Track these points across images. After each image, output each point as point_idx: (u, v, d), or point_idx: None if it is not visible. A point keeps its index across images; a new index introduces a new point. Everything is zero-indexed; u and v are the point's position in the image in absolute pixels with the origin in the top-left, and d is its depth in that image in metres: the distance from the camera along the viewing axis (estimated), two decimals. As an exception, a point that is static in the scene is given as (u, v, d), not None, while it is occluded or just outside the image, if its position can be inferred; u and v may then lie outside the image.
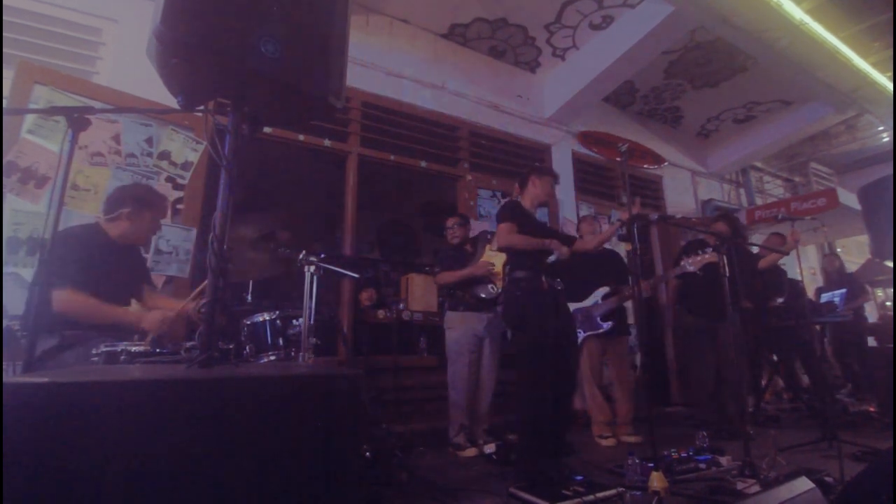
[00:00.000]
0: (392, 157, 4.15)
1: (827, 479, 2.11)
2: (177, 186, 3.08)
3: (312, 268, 2.35)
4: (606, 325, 3.40)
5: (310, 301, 2.28)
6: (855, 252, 8.66)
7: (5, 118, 2.55)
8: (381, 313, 4.00)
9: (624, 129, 5.84)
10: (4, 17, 2.72)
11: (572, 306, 3.47)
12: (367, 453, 2.13)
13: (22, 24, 2.88)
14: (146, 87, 2.69)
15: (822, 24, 4.28)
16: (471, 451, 2.93)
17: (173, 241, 2.97)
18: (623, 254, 4.25)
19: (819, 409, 3.85)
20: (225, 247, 1.06)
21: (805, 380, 4.88)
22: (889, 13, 4.26)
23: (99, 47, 3.13)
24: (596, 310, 3.46)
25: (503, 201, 4.38)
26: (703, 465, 2.39)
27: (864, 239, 5.82)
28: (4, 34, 2.72)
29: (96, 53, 3.12)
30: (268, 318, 2.25)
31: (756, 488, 1.99)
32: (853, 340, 5.07)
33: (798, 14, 4.07)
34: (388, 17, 4.34)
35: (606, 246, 3.30)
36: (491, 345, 3.14)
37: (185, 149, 3.13)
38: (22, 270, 2.49)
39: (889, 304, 6.83)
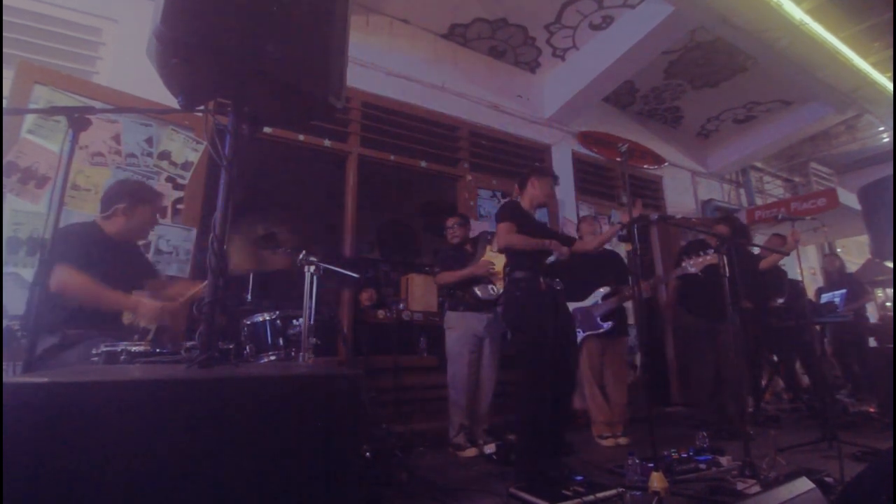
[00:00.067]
0: (392, 157, 4.15)
1: (827, 479, 2.11)
2: (177, 186, 3.08)
3: (312, 268, 2.35)
4: (606, 325, 3.40)
5: (310, 301, 2.28)
6: (855, 252, 8.66)
7: (5, 118, 2.55)
8: (381, 313, 4.00)
9: (624, 129, 5.84)
10: (4, 17, 2.72)
11: (572, 306, 3.48)
12: (367, 453, 2.13)
13: (22, 24, 2.88)
14: (146, 87, 2.69)
15: (822, 24, 4.28)
16: (471, 451, 2.93)
17: (173, 241, 2.97)
18: (623, 254, 4.25)
19: (819, 410, 3.85)
20: (225, 247, 1.06)
21: (805, 380, 4.88)
22: (889, 13, 4.26)
23: (99, 47, 3.13)
24: (596, 309, 3.46)
25: (502, 202, 4.38)
26: (703, 466, 2.39)
27: (864, 239, 5.82)
28: (4, 34, 2.72)
29: (96, 53, 3.12)
30: (268, 318, 2.25)
31: (756, 488, 1.99)
32: (853, 340, 5.07)
33: (798, 14, 4.07)
34: (388, 17, 4.34)
35: (606, 246, 3.31)
36: (491, 345, 3.14)
37: (185, 149, 3.13)
38: (22, 270, 2.49)
39: (889, 304, 6.83)
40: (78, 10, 3.06)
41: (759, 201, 7.26)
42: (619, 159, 3.23)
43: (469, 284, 3.15)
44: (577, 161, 5.32)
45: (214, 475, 0.75)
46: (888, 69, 4.99)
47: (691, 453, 2.55)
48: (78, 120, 1.46)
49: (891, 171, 2.17)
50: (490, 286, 3.14)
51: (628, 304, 3.83)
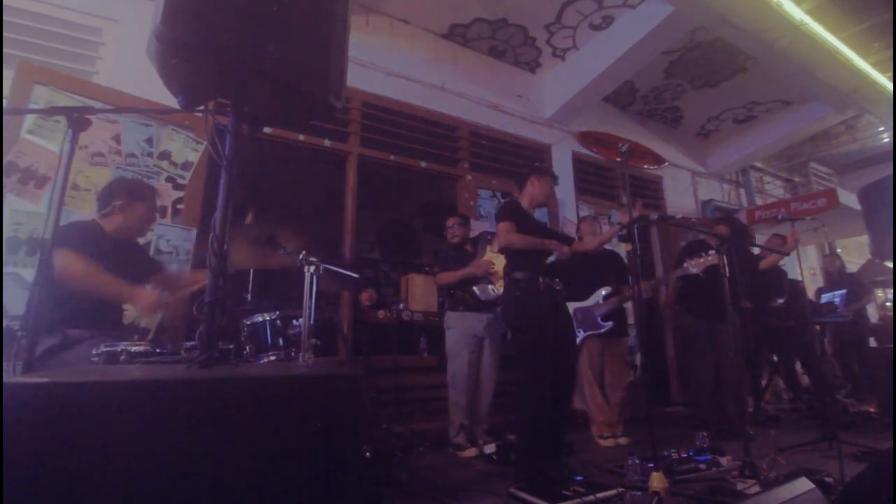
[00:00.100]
0: (392, 157, 4.15)
1: (827, 479, 2.12)
2: (177, 186, 3.08)
3: (312, 268, 2.35)
4: (607, 325, 3.40)
5: (310, 301, 2.28)
6: (855, 252, 8.65)
7: (5, 118, 2.55)
8: (381, 313, 4.00)
9: (624, 129, 5.84)
10: (4, 17, 2.72)
11: (573, 305, 3.48)
12: (367, 453, 2.14)
13: (22, 24, 2.88)
14: (146, 87, 2.69)
15: (822, 25, 4.28)
16: (471, 451, 2.93)
17: (173, 241, 2.97)
18: (623, 254, 4.25)
19: (819, 410, 3.86)
20: (225, 247, 1.06)
21: (805, 380, 4.88)
22: (889, 13, 4.26)
23: (99, 47, 3.13)
24: (597, 309, 3.46)
25: (502, 201, 4.38)
26: (703, 466, 2.40)
27: (864, 239, 5.83)
28: (4, 34, 2.72)
29: (96, 53, 3.12)
30: (268, 318, 2.25)
31: (756, 489, 1.99)
32: (853, 340, 5.07)
33: (798, 14, 4.07)
34: (388, 17, 4.34)
35: (606, 246, 3.31)
36: (491, 345, 3.13)
37: (186, 149, 3.13)
38: (22, 270, 2.49)
39: (889, 304, 6.83)
40: (78, 10, 3.06)
41: (759, 201, 7.26)
42: (619, 159, 3.23)
43: (468, 284, 3.15)
44: (577, 161, 5.32)
45: (214, 475, 0.75)
46: (888, 69, 4.99)
47: (691, 453, 2.55)
48: (78, 120, 1.46)
49: (891, 171, 2.16)
50: (490, 286, 3.14)
51: (628, 305, 3.82)
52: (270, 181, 5.28)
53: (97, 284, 1.85)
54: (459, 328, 3.12)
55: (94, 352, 1.62)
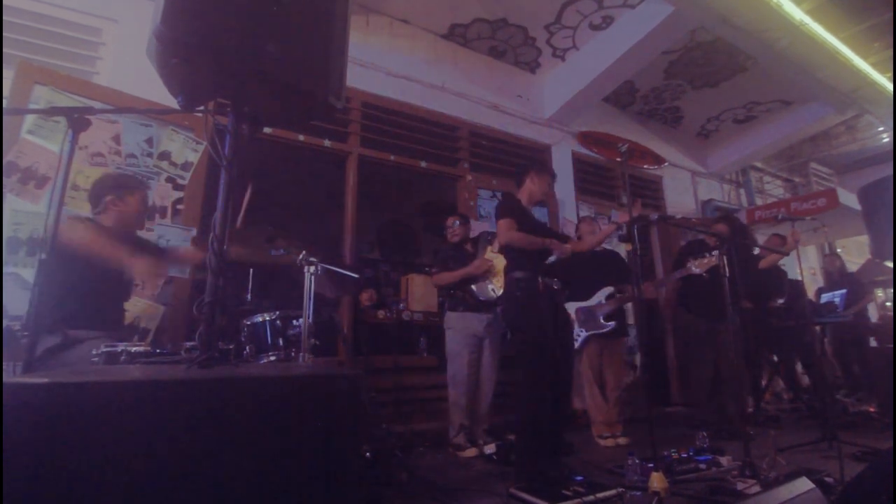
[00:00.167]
0: (392, 157, 4.15)
1: (827, 479, 2.11)
2: (177, 186, 3.08)
3: (312, 268, 2.35)
4: (610, 325, 3.40)
5: (310, 301, 2.28)
6: (855, 252, 8.65)
7: (5, 118, 2.56)
8: (381, 313, 4.00)
9: (624, 129, 5.84)
10: (4, 17, 2.72)
11: (575, 305, 3.48)
12: (367, 453, 2.14)
13: (22, 24, 2.88)
14: (146, 87, 2.69)
15: (822, 25, 4.28)
16: (471, 451, 2.93)
17: (173, 242, 2.97)
18: (623, 254, 4.25)
19: (819, 410, 3.85)
20: (225, 247, 1.06)
21: (805, 380, 4.88)
22: (889, 13, 4.26)
23: (99, 47, 3.13)
24: (599, 309, 3.46)
25: (501, 197, 4.38)
26: (703, 466, 2.39)
27: (864, 239, 5.81)
28: (4, 34, 2.72)
29: (96, 53, 3.12)
30: (268, 318, 2.26)
31: (756, 488, 1.99)
32: (853, 340, 5.07)
33: (798, 14, 4.07)
34: (388, 17, 4.34)
35: (606, 246, 3.31)
36: (491, 345, 3.13)
37: (185, 149, 3.13)
38: (22, 270, 2.49)
39: (889, 304, 6.83)
40: (78, 10, 3.06)
41: (759, 201, 7.26)
42: (619, 159, 3.23)
43: (467, 284, 3.15)
44: (577, 161, 5.32)
45: (214, 475, 0.75)
46: (888, 69, 4.99)
47: (691, 453, 2.55)
48: (78, 120, 1.46)
49: (891, 171, 2.16)
50: (490, 286, 3.13)
51: (628, 305, 3.83)
52: (270, 181, 5.28)
53: (99, 248, 1.90)
54: (459, 328, 3.12)
55: (94, 352, 1.62)
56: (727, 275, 2.55)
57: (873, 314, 6.14)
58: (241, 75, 1.06)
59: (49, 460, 0.65)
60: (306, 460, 0.82)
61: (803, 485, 1.44)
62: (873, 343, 5.23)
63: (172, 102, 1.14)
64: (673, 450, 2.56)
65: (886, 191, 2.07)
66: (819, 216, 4.60)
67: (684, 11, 3.94)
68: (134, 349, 1.61)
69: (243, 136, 1.16)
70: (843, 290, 4.80)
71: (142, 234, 2.52)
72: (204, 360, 0.97)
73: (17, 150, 2.59)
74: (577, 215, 4.87)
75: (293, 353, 2.21)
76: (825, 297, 4.98)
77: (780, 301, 4.40)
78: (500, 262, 3.08)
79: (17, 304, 2.21)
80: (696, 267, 3.15)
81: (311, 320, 2.21)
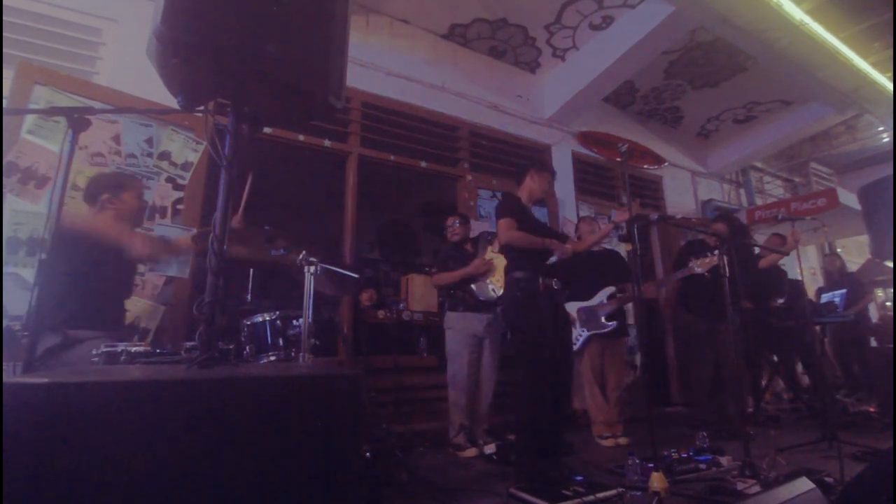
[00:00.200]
0: (392, 157, 4.15)
1: (827, 479, 2.11)
2: (177, 187, 3.08)
3: (312, 268, 2.35)
4: (612, 325, 3.40)
5: (310, 301, 2.28)
6: (855, 252, 8.65)
7: (5, 118, 2.56)
8: (381, 313, 4.00)
9: (624, 129, 5.84)
10: (4, 17, 2.72)
11: (576, 305, 3.48)
12: (367, 453, 2.13)
13: (22, 24, 2.88)
14: (146, 87, 2.69)
15: (822, 25, 4.28)
16: (471, 451, 2.93)
17: (173, 242, 2.97)
18: (623, 254, 4.25)
19: (819, 410, 3.85)
20: (224, 247, 1.06)
21: (805, 380, 4.88)
22: (889, 13, 4.26)
23: (99, 47, 3.13)
24: (601, 309, 3.46)
25: (502, 196, 4.38)
26: (703, 466, 2.39)
27: (864, 239, 5.82)
28: (4, 34, 2.72)
29: (96, 53, 3.12)
30: (268, 318, 2.25)
31: (756, 488, 1.99)
32: (853, 340, 5.07)
33: (798, 14, 4.07)
34: (388, 17, 4.34)
35: (606, 246, 3.30)
36: (491, 345, 3.13)
37: (185, 149, 3.13)
38: (22, 270, 2.49)
39: (889, 304, 6.82)
40: (78, 10, 3.06)
41: (759, 201, 7.26)
42: (619, 159, 3.23)
43: (467, 283, 3.15)
44: (577, 161, 5.32)
45: (214, 475, 0.75)
46: (888, 69, 4.99)
47: (691, 453, 2.55)
48: (78, 120, 1.46)
49: (891, 171, 2.16)
50: (490, 287, 3.13)
51: (628, 305, 3.82)
52: (270, 181, 5.27)
53: (101, 226, 1.97)
54: (459, 328, 3.12)
55: (94, 352, 1.62)
56: (727, 275, 2.55)
57: (873, 314, 6.14)
58: (241, 75, 1.06)
59: (49, 460, 0.65)
60: (306, 460, 0.82)
61: (803, 485, 1.44)
62: (873, 343, 5.23)
63: (172, 102, 1.14)
64: (673, 450, 2.56)
65: (886, 191, 2.07)
66: (819, 216, 4.60)
67: (684, 11, 3.94)
68: (134, 349, 1.61)
69: (243, 136, 1.16)
70: (843, 290, 4.79)
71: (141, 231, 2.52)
72: (204, 360, 0.97)
73: (17, 150, 2.59)
74: (577, 215, 4.87)
75: (293, 353, 2.21)
76: (825, 297, 4.98)
77: (781, 301, 4.40)
78: (500, 261, 3.08)
79: (17, 304, 2.21)
80: (698, 266, 3.15)
81: (311, 320, 2.21)
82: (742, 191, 7.31)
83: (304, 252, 2.31)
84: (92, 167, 2.79)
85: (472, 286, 3.13)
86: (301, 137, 3.69)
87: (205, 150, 3.17)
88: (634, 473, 2.16)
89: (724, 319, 2.80)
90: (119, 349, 1.61)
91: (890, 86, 5.13)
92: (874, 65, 4.92)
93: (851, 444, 2.69)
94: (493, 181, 4.62)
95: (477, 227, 3.95)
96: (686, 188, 6.53)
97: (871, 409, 3.99)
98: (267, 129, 3.38)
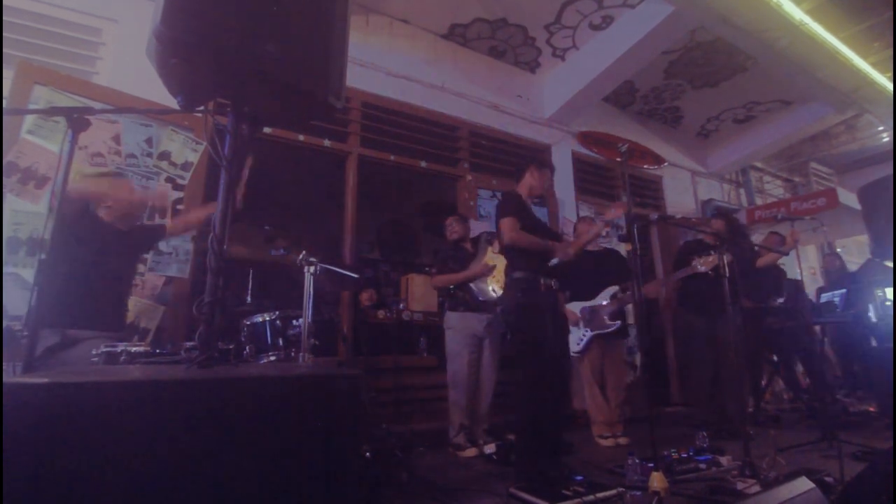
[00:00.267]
0: (392, 157, 4.15)
1: (827, 479, 2.11)
2: (177, 187, 3.08)
3: (312, 268, 2.35)
4: (615, 325, 3.40)
5: (309, 301, 2.28)
6: (855, 252, 8.65)
7: (5, 118, 2.55)
8: (381, 313, 4.00)
9: (624, 129, 5.84)
10: (4, 17, 2.72)
11: (579, 305, 3.48)
12: (367, 453, 2.13)
13: (22, 24, 2.88)
14: (146, 87, 2.69)
15: (822, 25, 4.28)
16: (471, 451, 2.93)
17: (173, 242, 2.97)
18: (623, 254, 4.25)
19: (819, 410, 3.85)
20: (225, 247, 1.06)
21: (805, 380, 4.88)
22: (889, 13, 4.26)
23: (99, 47, 3.13)
24: (603, 309, 3.46)
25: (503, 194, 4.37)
26: (703, 465, 2.39)
27: (864, 239, 5.83)
28: (4, 34, 2.72)
29: (96, 53, 3.12)
30: (268, 318, 2.26)
31: (756, 488, 1.99)
32: (853, 341, 5.06)
33: (798, 14, 4.07)
34: (388, 17, 4.34)
35: (607, 246, 3.30)
36: (491, 345, 3.13)
37: (185, 149, 3.13)
38: (22, 270, 2.49)
39: (889, 303, 6.81)
40: (78, 10, 3.05)
41: (759, 201, 7.26)
42: (619, 159, 3.22)
43: (467, 283, 3.15)
44: (577, 161, 5.32)
45: (214, 475, 0.75)
46: (888, 69, 4.99)
47: (691, 453, 2.55)
48: (77, 120, 1.46)
49: (891, 171, 2.17)
50: (490, 287, 3.13)
51: (628, 305, 3.82)
52: (270, 181, 5.27)
53: (110, 189, 2.03)
54: (459, 328, 3.12)
55: (94, 352, 1.62)
56: (727, 274, 2.55)
57: (873, 314, 6.13)
58: (241, 75, 1.06)
59: (49, 460, 0.65)
60: (306, 460, 0.82)
61: (803, 485, 1.44)
62: (873, 343, 5.22)
63: (172, 102, 1.14)
64: (673, 450, 2.56)
65: (886, 191, 2.08)
66: (819, 216, 4.60)
67: (684, 11, 3.94)
68: (134, 349, 1.61)
69: (243, 136, 1.16)
70: (843, 290, 4.79)
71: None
72: (204, 360, 0.97)
73: (17, 150, 2.59)
74: (577, 215, 4.87)
75: (293, 353, 2.21)
76: (825, 297, 4.97)
77: (780, 301, 4.39)
78: (501, 263, 3.08)
79: (17, 304, 2.21)
80: (701, 265, 3.14)
81: (310, 320, 2.21)
82: (742, 191, 7.31)
83: (303, 252, 2.31)
84: (92, 167, 2.79)
85: (472, 286, 3.13)
86: (301, 137, 3.69)
87: (205, 150, 3.17)
88: (634, 473, 2.16)
89: (725, 318, 2.80)
90: (119, 349, 1.61)
91: (890, 86, 5.13)
92: (874, 65, 4.92)
93: (851, 444, 2.69)
94: (493, 181, 4.62)
95: (477, 227, 3.95)
96: (686, 188, 6.53)
97: (871, 409, 3.99)
98: (267, 129, 3.38)
